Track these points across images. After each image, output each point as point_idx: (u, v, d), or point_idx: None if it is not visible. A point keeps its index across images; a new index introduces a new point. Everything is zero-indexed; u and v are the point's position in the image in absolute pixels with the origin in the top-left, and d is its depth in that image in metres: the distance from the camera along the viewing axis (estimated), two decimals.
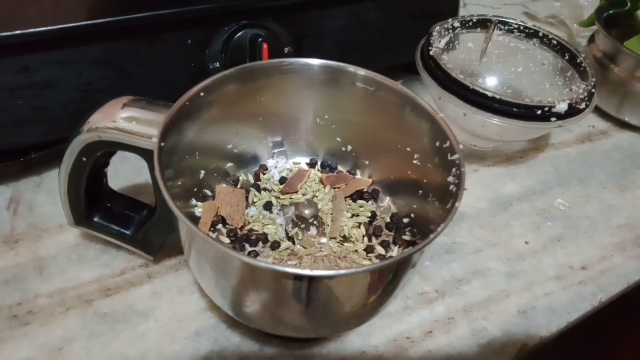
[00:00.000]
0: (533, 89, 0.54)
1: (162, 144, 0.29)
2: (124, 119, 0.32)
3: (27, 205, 0.44)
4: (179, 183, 0.35)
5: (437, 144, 0.33)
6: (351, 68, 0.37)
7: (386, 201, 0.42)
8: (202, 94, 0.34)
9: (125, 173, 0.46)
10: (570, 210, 0.49)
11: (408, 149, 0.38)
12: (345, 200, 0.40)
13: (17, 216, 0.43)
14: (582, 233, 0.47)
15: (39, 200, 0.44)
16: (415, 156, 0.37)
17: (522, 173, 0.53)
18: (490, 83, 0.56)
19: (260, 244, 0.37)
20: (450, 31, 0.52)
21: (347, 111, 0.40)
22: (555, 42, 0.53)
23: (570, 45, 0.52)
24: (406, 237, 0.38)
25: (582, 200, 0.51)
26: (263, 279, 0.28)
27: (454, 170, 0.31)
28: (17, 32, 0.37)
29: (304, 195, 0.41)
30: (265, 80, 0.38)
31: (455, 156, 0.31)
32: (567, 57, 0.52)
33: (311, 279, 0.26)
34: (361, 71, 0.37)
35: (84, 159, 0.33)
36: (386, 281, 0.29)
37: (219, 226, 0.38)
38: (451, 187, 0.30)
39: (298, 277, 0.26)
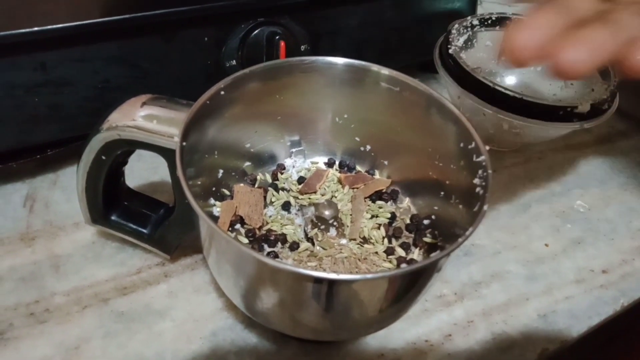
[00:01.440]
0: (553, 88, 0.53)
1: (184, 143, 0.29)
2: (143, 118, 0.31)
3: (43, 202, 0.43)
4: (199, 182, 0.35)
5: (462, 145, 0.32)
6: (375, 67, 0.37)
7: (405, 202, 0.41)
8: (222, 92, 0.33)
9: (140, 171, 0.46)
10: (590, 213, 0.49)
11: (429, 149, 0.37)
12: (365, 200, 0.40)
13: (33, 213, 0.43)
14: (603, 236, 0.47)
15: (54, 198, 0.44)
16: (437, 157, 0.36)
17: (541, 174, 0.52)
18: (508, 82, 0.55)
19: (279, 244, 0.37)
20: (469, 29, 0.52)
21: (368, 111, 0.40)
22: None
23: None
24: (427, 240, 0.37)
25: (602, 203, 0.50)
26: (284, 281, 0.27)
27: (480, 172, 0.30)
28: (35, 29, 0.37)
29: (322, 195, 0.40)
30: (286, 79, 0.37)
31: (482, 158, 0.30)
32: None
33: (334, 283, 0.25)
34: (385, 71, 0.37)
35: (104, 157, 0.33)
36: (411, 286, 0.28)
37: (237, 226, 0.38)
38: (477, 189, 0.30)
39: (319, 280, 0.25)
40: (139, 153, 0.37)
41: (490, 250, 0.44)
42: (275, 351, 0.35)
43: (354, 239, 0.37)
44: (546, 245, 0.45)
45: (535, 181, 0.51)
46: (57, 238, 0.41)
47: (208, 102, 0.32)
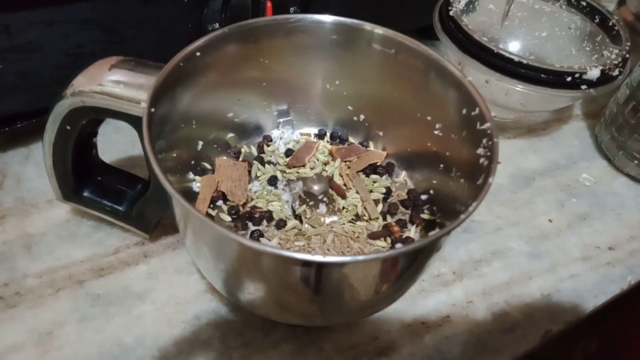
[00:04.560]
0: (558, 56, 0.50)
1: (153, 109, 0.26)
2: (111, 82, 0.29)
3: (15, 178, 0.41)
4: (174, 155, 0.33)
5: (464, 112, 0.30)
6: (368, 26, 0.34)
7: (402, 176, 0.39)
8: (198, 54, 0.30)
9: (118, 144, 0.44)
10: (596, 187, 0.47)
11: (428, 118, 0.35)
12: (358, 174, 0.37)
13: (3, 190, 0.40)
14: (610, 211, 0.45)
15: (27, 174, 0.42)
16: (437, 126, 0.34)
17: (545, 146, 0.50)
18: (512, 48, 0.52)
19: (265, 222, 0.35)
20: None
21: (361, 76, 0.37)
22: (584, 3, 0.49)
23: (602, 7, 0.48)
24: (425, 216, 0.35)
25: (609, 176, 0.48)
26: (267, 265, 0.25)
27: (484, 141, 0.28)
28: None
29: (312, 169, 0.38)
30: (269, 40, 0.35)
31: (487, 125, 0.27)
32: (597, 20, 0.48)
33: (322, 266, 0.23)
34: (379, 30, 0.34)
35: (68, 127, 0.31)
36: (408, 267, 0.26)
37: (219, 203, 0.36)
38: (482, 160, 0.27)
39: (307, 264, 0.23)
40: (116, 125, 0.34)
41: (491, 227, 0.42)
42: (263, 335, 0.34)
43: (377, 219, 0.35)
44: (550, 220, 0.43)
45: (539, 153, 0.49)
46: (29, 216, 0.39)
47: (181, 64, 0.29)
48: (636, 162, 0.46)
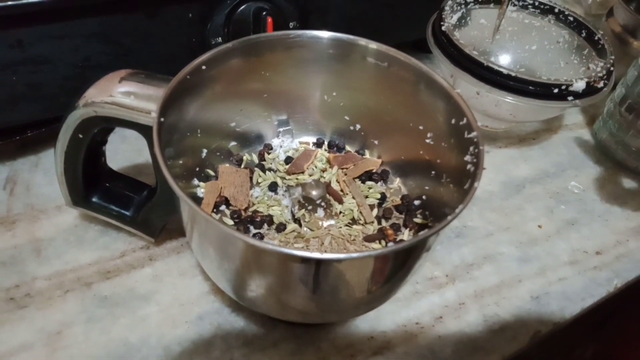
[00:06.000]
0: (547, 68, 0.52)
1: (162, 119, 0.28)
2: (121, 94, 0.30)
3: (24, 185, 0.42)
4: (180, 162, 0.34)
5: (453, 121, 0.31)
6: (362, 41, 0.36)
7: (396, 182, 0.40)
8: (204, 67, 0.32)
9: (125, 153, 0.45)
10: (584, 194, 0.48)
11: (420, 127, 0.36)
12: (354, 181, 0.39)
13: (13, 197, 0.41)
14: (597, 217, 0.46)
15: (36, 181, 0.43)
16: (428, 135, 0.35)
17: (535, 155, 0.51)
18: (503, 61, 0.54)
19: (266, 226, 0.36)
20: (463, 6, 0.50)
21: (357, 88, 0.39)
22: (571, 18, 0.51)
23: (588, 22, 0.50)
24: (417, 220, 0.37)
25: (597, 183, 0.49)
26: (269, 262, 0.26)
27: (471, 149, 0.29)
28: (10, 3, 0.35)
29: (310, 175, 0.39)
30: (270, 54, 0.36)
31: (473, 134, 0.29)
32: (584, 35, 0.50)
33: (320, 263, 0.25)
34: (373, 45, 0.35)
35: (80, 135, 0.32)
36: (400, 266, 0.27)
37: (222, 207, 0.37)
38: (469, 166, 0.29)
39: (306, 260, 0.25)
40: (123, 134, 0.35)
41: (483, 232, 0.43)
42: (263, 335, 0.35)
43: (372, 222, 0.36)
44: (540, 226, 0.44)
45: (529, 162, 0.51)
46: (38, 221, 0.40)
47: (188, 77, 0.31)
48: (634, 155, 0.48)
